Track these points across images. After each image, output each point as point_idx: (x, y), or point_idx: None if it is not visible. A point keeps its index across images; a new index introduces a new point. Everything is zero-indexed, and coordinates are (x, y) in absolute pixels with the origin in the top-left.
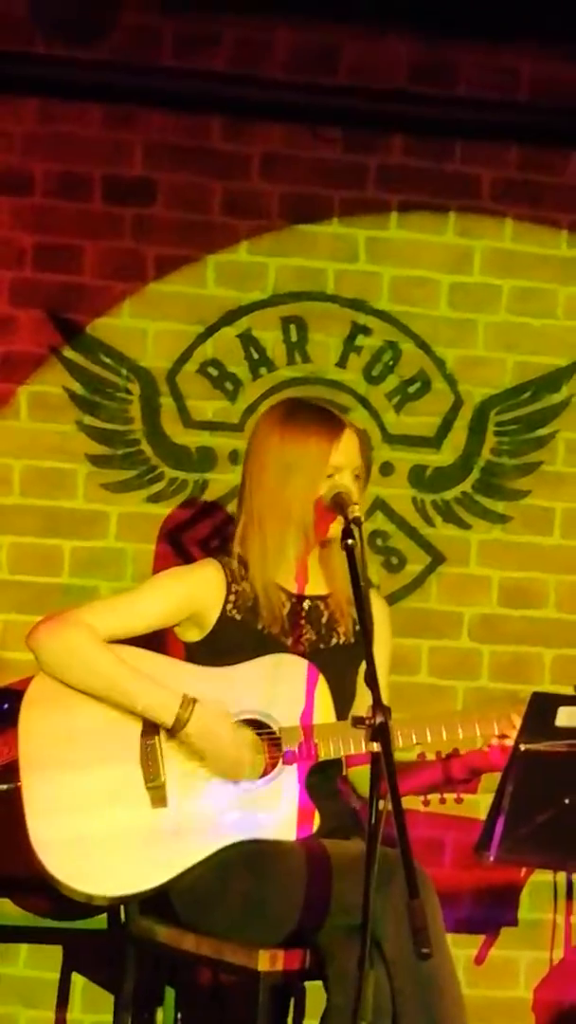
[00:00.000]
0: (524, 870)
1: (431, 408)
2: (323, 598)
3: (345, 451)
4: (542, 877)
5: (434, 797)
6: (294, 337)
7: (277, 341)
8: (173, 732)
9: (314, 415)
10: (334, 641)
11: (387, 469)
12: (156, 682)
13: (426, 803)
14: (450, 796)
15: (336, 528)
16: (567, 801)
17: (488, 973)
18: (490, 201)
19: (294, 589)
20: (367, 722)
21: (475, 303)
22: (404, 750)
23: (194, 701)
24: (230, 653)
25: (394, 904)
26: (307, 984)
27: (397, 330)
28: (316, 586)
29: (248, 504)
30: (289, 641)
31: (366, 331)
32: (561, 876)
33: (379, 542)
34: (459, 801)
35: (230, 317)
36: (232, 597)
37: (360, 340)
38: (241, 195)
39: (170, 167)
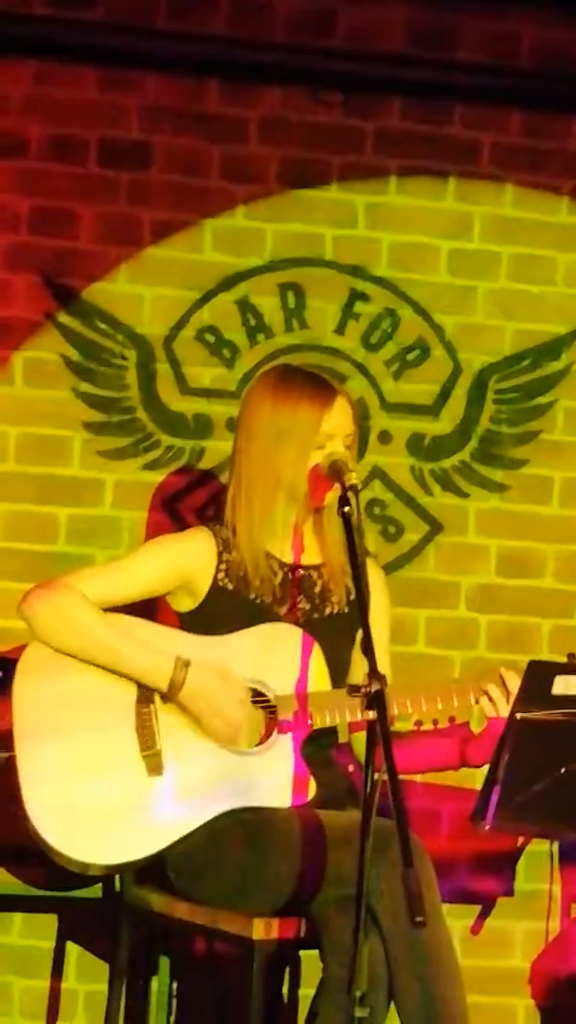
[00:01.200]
0: (520, 840)
1: (430, 376)
2: (317, 567)
3: (337, 419)
4: (539, 847)
5: (427, 720)
6: (292, 303)
7: (275, 307)
8: (168, 696)
9: (306, 382)
10: (328, 610)
11: (385, 437)
12: (149, 646)
13: (418, 724)
14: (443, 717)
15: (332, 496)
16: (563, 770)
17: (484, 943)
18: (490, 167)
19: (288, 558)
20: (363, 690)
21: (475, 270)
22: (399, 719)
23: (187, 664)
24: (223, 623)
25: (389, 874)
26: (303, 954)
27: (396, 297)
28: (310, 555)
29: (238, 471)
30: (283, 611)
31: (364, 298)
32: (557, 846)
33: (376, 511)
34: (452, 721)
35: (227, 283)
36: (223, 566)
37: (358, 307)
38: (239, 159)
39: (167, 131)
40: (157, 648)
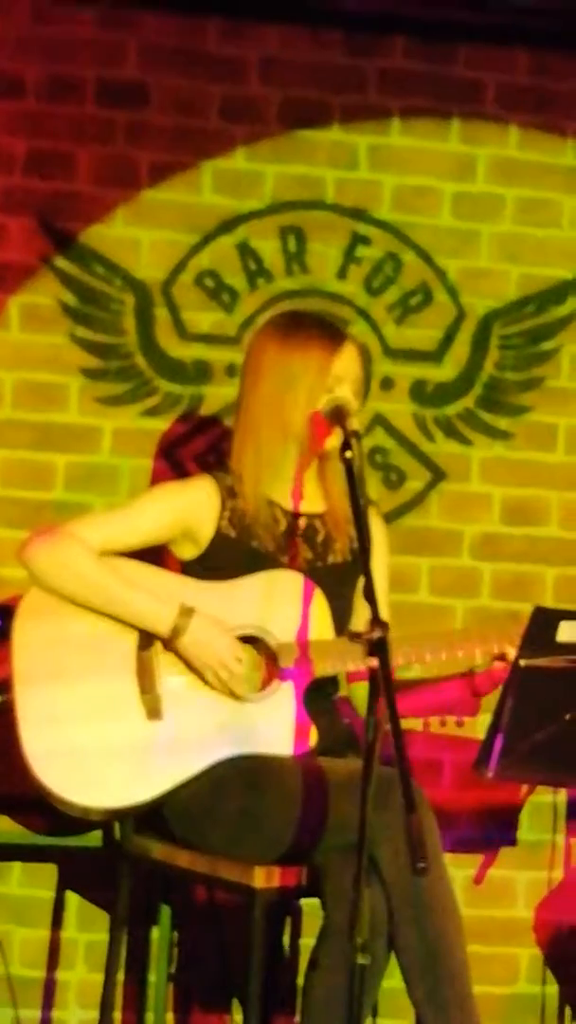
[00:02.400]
0: (524, 790)
1: (433, 321)
2: (319, 515)
3: (347, 363)
4: (542, 797)
5: (434, 720)
6: (292, 247)
7: (275, 251)
8: (169, 642)
9: (316, 325)
10: (331, 559)
11: (387, 384)
12: (152, 593)
13: (426, 725)
14: (451, 719)
15: (334, 442)
16: (567, 717)
17: (487, 893)
18: (495, 107)
19: (290, 506)
20: (364, 637)
21: (479, 213)
22: (401, 670)
23: (192, 611)
24: (225, 571)
25: (391, 822)
26: (304, 903)
27: (398, 240)
28: (312, 503)
29: (245, 416)
30: (285, 559)
31: (366, 241)
32: (561, 796)
33: (379, 458)
34: (460, 724)
35: (227, 226)
36: (227, 514)
37: (360, 251)
38: (238, 99)
39: (165, 70)
40: (159, 596)
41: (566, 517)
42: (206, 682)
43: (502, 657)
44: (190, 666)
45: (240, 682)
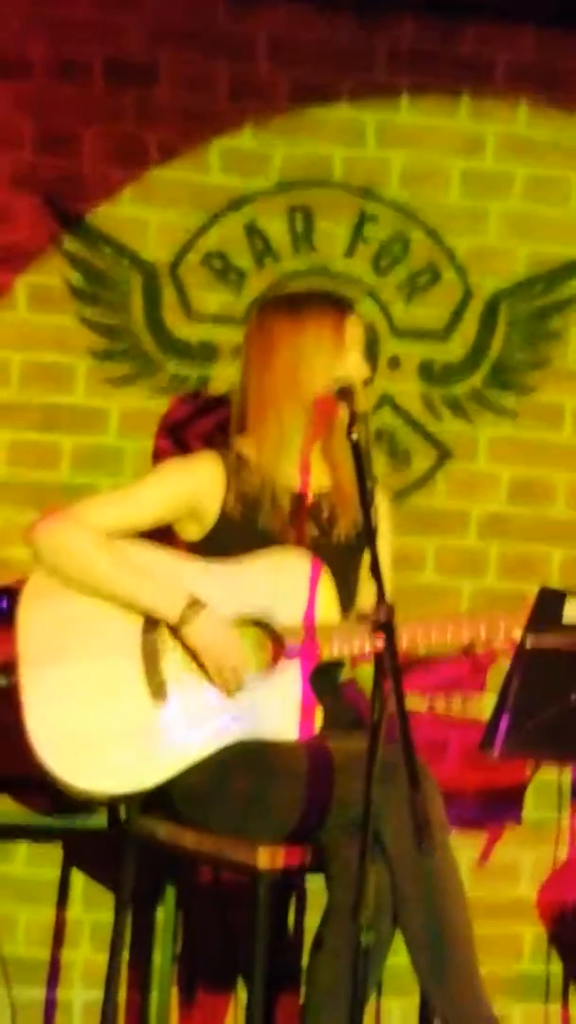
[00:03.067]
0: (529, 769)
1: (440, 300)
2: (325, 494)
3: (356, 327)
4: (547, 776)
5: (439, 701)
6: (300, 227)
7: (283, 231)
8: (175, 630)
9: (321, 296)
10: (336, 536)
11: (395, 363)
12: (158, 581)
13: (431, 708)
14: (456, 699)
15: (340, 422)
16: (573, 697)
17: (492, 872)
18: (504, 84)
19: (296, 485)
20: (371, 619)
21: (487, 191)
22: (408, 651)
23: (202, 605)
24: (231, 551)
25: (396, 801)
26: (309, 882)
27: (406, 219)
28: (318, 481)
29: (259, 392)
30: (291, 537)
31: (374, 220)
32: (567, 776)
33: (386, 437)
34: (465, 701)
35: (234, 205)
36: (232, 491)
37: (368, 229)
38: (246, 78)
39: (173, 49)
40: (167, 584)
41: (573, 496)
42: (206, 674)
43: (509, 640)
44: (193, 656)
45: (237, 683)
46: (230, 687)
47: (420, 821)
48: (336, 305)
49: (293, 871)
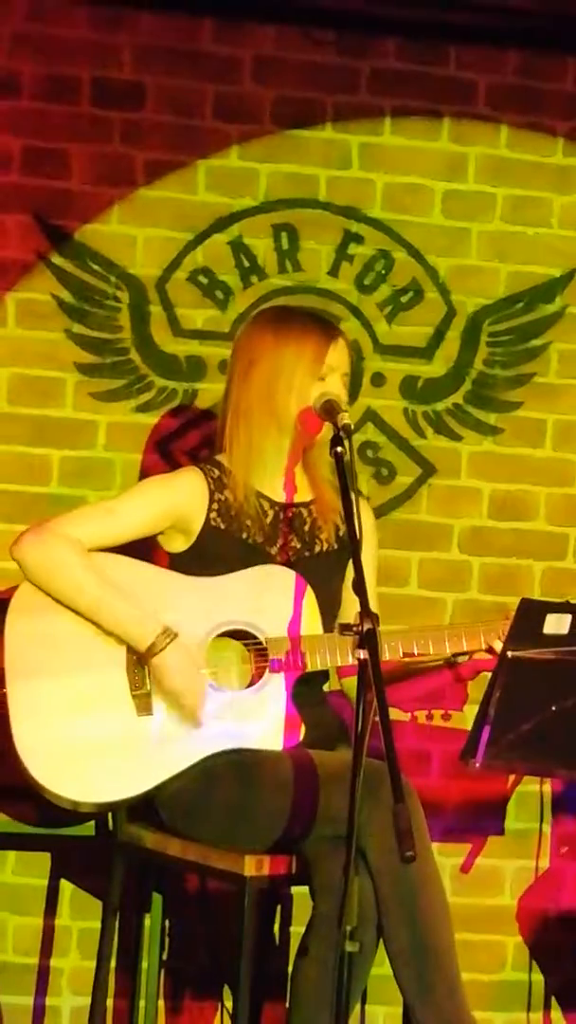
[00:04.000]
0: (511, 780)
1: (423, 318)
2: (306, 504)
3: (339, 355)
4: (529, 787)
5: (421, 713)
6: (285, 245)
7: (268, 249)
8: (142, 656)
9: (309, 317)
10: (318, 548)
11: (378, 380)
12: (139, 606)
13: (413, 720)
14: (437, 712)
15: (322, 434)
16: (554, 708)
17: (474, 882)
18: (485, 107)
19: (280, 498)
20: (354, 629)
21: (469, 211)
22: (390, 660)
23: (174, 636)
24: (215, 563)
25: (379, 813)
26: (295, 891)
27: (390, 238)
28: (300, 492)
29: (235, 407)
30: (274, 550)
31: (358, 239)
32: (547, 786)
33: (369, 453)
34: (446, 718)
35: (221, 224)
36: (215, 505)
37: (352, 248)
38: (232, 99)
39: (160, 70)
40: (145, 608)
41: (553, 512)
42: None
43: (490, 650)
44: (158, 685)
45: (195, 719)
46: (190, 721)
47: (403, 831)
48: (322, 327)
49: (279, 879)
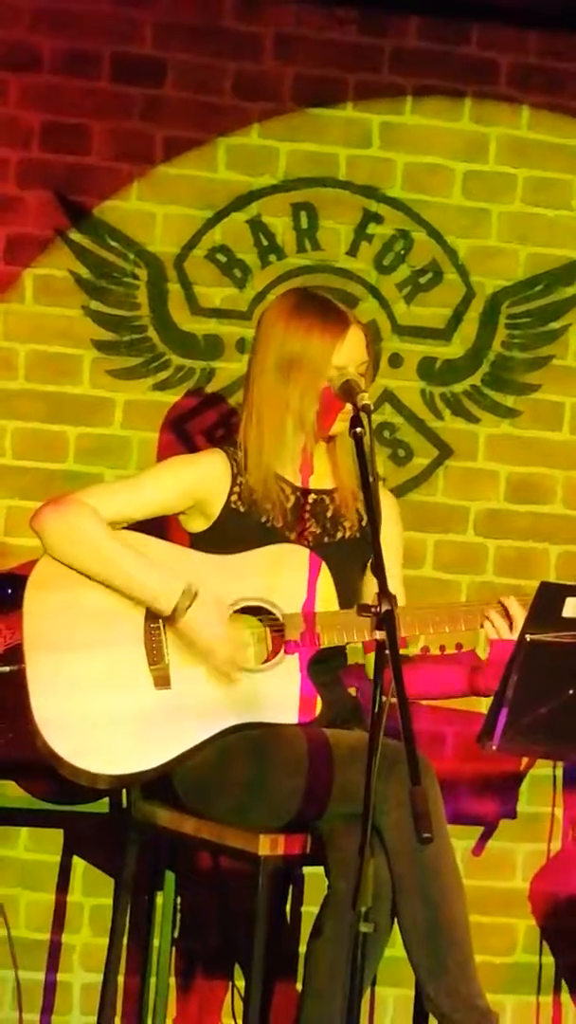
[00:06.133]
0: (524, 763)
1: (442, 299)
2: (329, 492)
3: (349, 350)
4: (542, 771)
5: (434, 644)
6: (304, 224)
7: (287, 228)
8: (170, 620)
9: (320, 311)
10: (339, 535)
11: (396, 361)
12: (160, 569)
13: (425, 650)
14: (450, 642)
15: (342, 424)
16: (571, 692)
17: (486, 864)
18: (507, 87)
19: (299, 482)
20: (372, 610)
21: (489, 192)
22: (407, 643)
23: (196, 594)
24: (233, 544)
25: (396, 792)
26: (307, 871)
27: (409, 219)
28: (322, 480)
29: (250, 395)
30: (293, 535)
31: (378, 219)
32: (560, 769)
33: (387, 434)
34: (459, 648)
35: (240, 202)
36: (237, 488)
37: (371, 228)
38: (253, 76)
39: (181, 46)
40: (166, 571)
41: (570, 495)
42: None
43: (507, 616)
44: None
45: (232, 669)
46: (227, 677)
47: (419, 813)
48: (330, 323)
49: (293, 859)
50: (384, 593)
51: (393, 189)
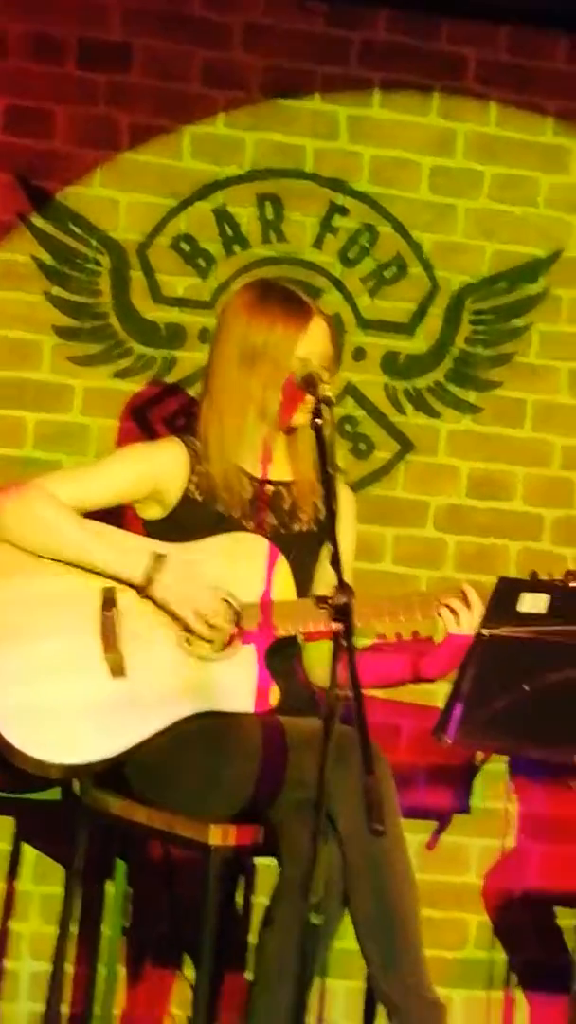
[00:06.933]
0: (480, 757)
1: (406, 294)
2: (287, 484)
3: (311, 342)
4: (496, 766)
5: (390, 631)
6: (270, 215)
7: (252, 218)
8: (143, 589)
9: (283, 302)
10: (296, 527)
11: (359, 354)
12: (120, 544)
13: (382, 637)
14: (408, 629)
15: (303, 416)
16: (526, 687)
17: (439, 859)
18: (476, 83)
19: (258, 473)
20: (329, 602)
21: (456, 188)
22: (361, 633)
23: (163, 557)
24: (189, 533)
25: (349, 780)
26: (259, 862)
27: (375, 212)
28: (281, 472)
29: (211, 385)
30: (251, 525)
31: (343, 212)
32: (508, 763)
33: (348, 428)
34: (416, 636)
35: (205, 191)
36: (195, 478)
37: (337, 221)
38: (221, 65)
39: (148, 33)
40: (127, 547)
41: (531, 492)
42: (187, 628)
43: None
44: (171, 613)
45: (220, 625)
46: (214, 632)
47: (373, 803)
48: (293, 314)
49: (244, 849)
50: (342, 585)
51: (360, 182)
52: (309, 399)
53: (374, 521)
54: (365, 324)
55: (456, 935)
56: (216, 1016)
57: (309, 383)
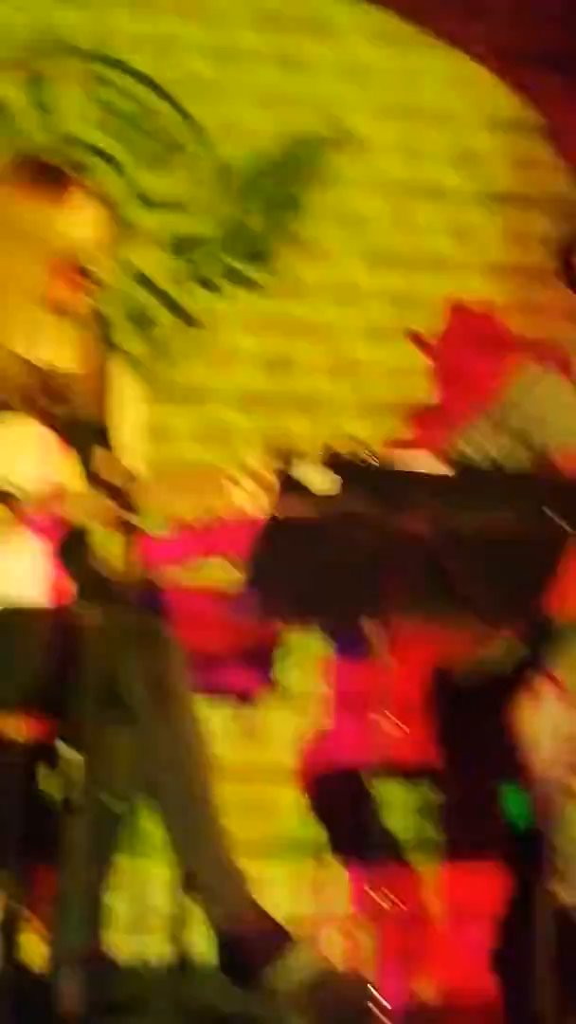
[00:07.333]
0: (280, 634)
1: (185, 171)
2: (66, 373)
3: (76, 217)
4: (310, 645)
5: (188, 514)
6: (38, 94)
7: (19, 97)
8: None
9: (36, 173)
10: (81, 415)
11: (138, 233)
12: None
13: (179, 521)
14: (202, 508)
15: (76, 296)
16: (321, 563)
17: (251, 736)
18: None
19: (33, 359)
20: (115, 486)
21: (233, 63)
22: (157, 515)
23: None
24: None
25: (141, 667)
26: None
27: (150, 89)
28: (59, 357)
29: None
30: (33, 413)
31: (116, 87)
32: (329, 647)
33: (130, 308)
34: (211, 517)
35: None
36: None
37: (110, 96)
38: None
39: None
40: None
41: (317, 368)
42: None
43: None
44: None
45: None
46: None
47: (161, 687)
48: (51, 187)
49: (44, 740)
50: (124, 471)
51: (133, 58)
52: (80, 279)
53: (163, 401)
54: (145, 202)
55: (269, 811)
56: (31, 908)
57: (77, 265)
